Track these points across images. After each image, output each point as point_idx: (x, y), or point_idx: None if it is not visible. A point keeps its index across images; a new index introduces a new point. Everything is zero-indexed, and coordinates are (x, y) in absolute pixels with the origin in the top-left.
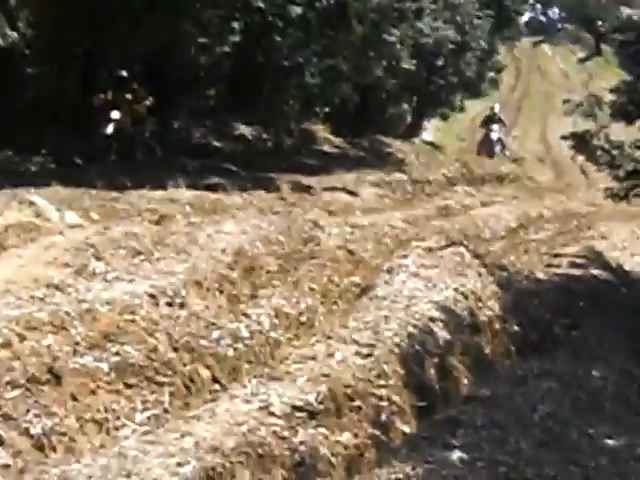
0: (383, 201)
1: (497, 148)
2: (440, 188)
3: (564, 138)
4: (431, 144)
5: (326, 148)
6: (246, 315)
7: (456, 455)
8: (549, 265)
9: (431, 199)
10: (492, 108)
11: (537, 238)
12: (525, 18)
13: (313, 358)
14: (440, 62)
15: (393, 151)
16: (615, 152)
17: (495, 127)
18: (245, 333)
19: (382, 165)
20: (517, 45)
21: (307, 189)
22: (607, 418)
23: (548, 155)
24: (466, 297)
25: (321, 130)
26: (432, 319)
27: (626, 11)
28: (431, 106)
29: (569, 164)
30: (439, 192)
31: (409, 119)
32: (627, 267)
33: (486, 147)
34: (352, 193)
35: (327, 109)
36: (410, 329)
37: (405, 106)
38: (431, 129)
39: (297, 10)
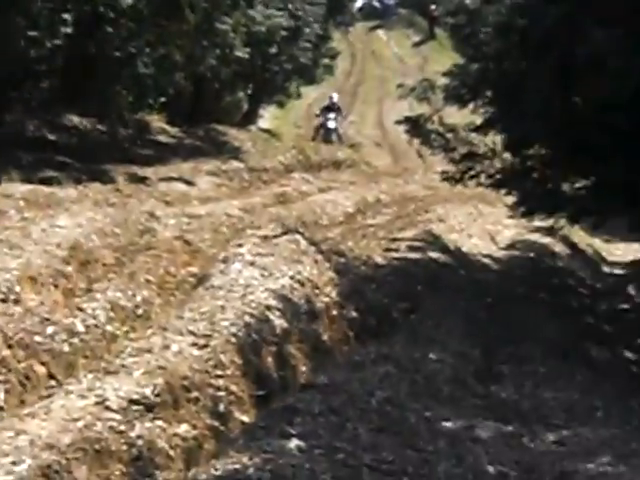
0: (220, 190)
1: (334, 136)
2: (277, 175)
3: (399, 123)
4: (268, 132)
5: (162, 138)
6: (81, 309)
7: (294, 443)
8: (387, 249)
9: (268, 187)
10: (331, 97)
11: (375, 223)
12: (359, 4)
13: (149, 351)
14: (274, 49)
15: (229, 139)
16: (449, 135)
17: (332, 115)
18: (81, 328)
19: (219, 154)
20: (351, 31)
21: (143, 180)
22: (444, 401)
23: (385, 140)
24: (302, 284)
25: (156, 120)
26: (269, 307)
27: None
28: (267, 93)
29: (406, 148)
30: (276, 179)
31: (245, 107)
32: (465, 249)
33: (323, 135)
34: (189, 183)
35: (162, 99)
36: (247, 318)
37: (241, 94)
38: (268, 117)
39: (128, 0)
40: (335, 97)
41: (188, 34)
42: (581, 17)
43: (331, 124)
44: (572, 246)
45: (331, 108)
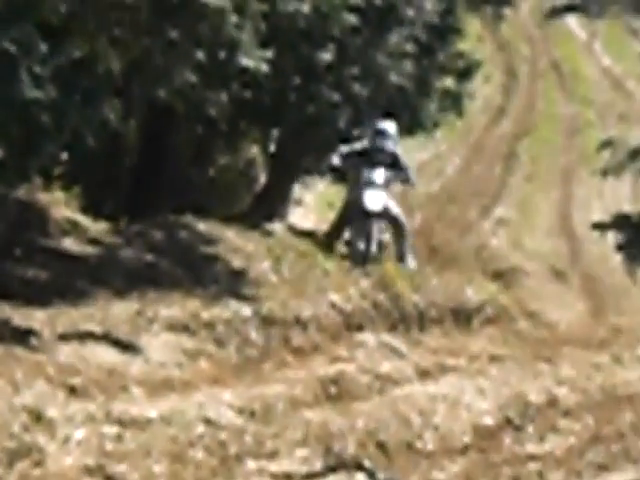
0: (194, 366)
1: (374, 246)
2: (326, 336)
3: (601, 228)
4: (310, 235)
5: (69, 244)
6: None
7: None
8: None
9: (305, 361)
10: (378, 130)
11: (543, 452)
12: None
13: None
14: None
15: (223, 253)
16: None
17: (378, 175)
18: None
19: (196, 283)
20: (507, 15)
21: (23, 337)
22: None
23: (575, 262)
24: None
25: (59, 203)
26: None
27: None
28: (307, 150)
29: (621, 283)
30: (323, 345)
31: (262, 179)
32: None
33: (353, 238)
34: (125, 346)
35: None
36: None
37: (253, 150)
38: (311, 202)
39: None
40: (389, 127)
41: None
42: None
43: (372, 201)
44: None
45: (373, 155)
